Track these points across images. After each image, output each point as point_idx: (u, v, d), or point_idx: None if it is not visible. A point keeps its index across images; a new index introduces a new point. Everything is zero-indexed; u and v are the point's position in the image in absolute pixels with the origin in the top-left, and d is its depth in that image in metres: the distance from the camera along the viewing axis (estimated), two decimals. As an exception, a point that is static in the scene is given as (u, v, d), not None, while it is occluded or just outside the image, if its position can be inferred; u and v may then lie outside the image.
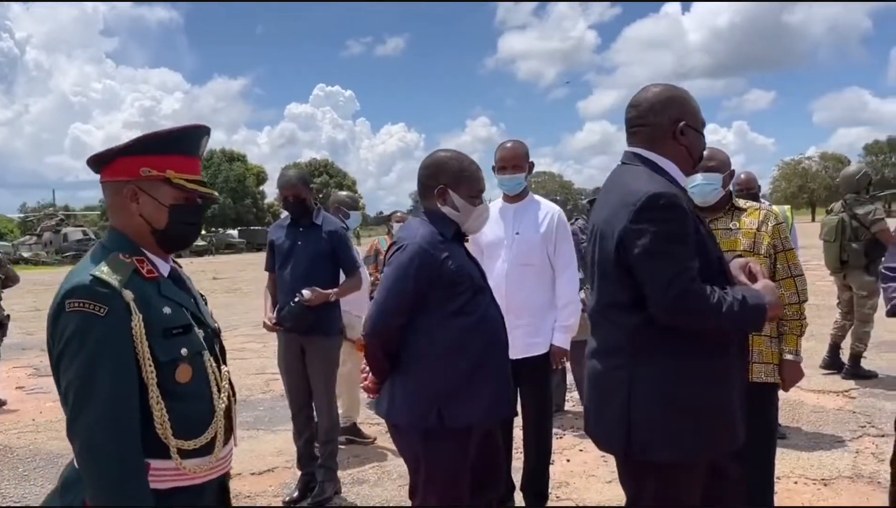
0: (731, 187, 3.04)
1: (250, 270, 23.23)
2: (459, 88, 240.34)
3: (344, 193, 5.48)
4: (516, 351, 2.92)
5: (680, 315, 1.90)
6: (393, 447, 4.25)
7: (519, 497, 3.57)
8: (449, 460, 2.40)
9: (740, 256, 2.53)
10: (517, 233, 3.41)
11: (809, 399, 5.53)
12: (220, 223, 57.59)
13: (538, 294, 3.40)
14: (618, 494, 3.66)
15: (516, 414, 2.79)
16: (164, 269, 1.67)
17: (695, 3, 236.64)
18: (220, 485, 1.72)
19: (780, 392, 2.97)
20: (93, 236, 41.23)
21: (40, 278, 22.99)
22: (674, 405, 1.95)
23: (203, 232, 37.71)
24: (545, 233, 3.40)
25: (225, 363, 1.75)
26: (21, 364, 8.34)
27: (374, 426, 5.10)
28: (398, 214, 6.78)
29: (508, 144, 3.49)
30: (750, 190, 4.81)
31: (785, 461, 4.07)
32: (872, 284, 5.85)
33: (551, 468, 3.63)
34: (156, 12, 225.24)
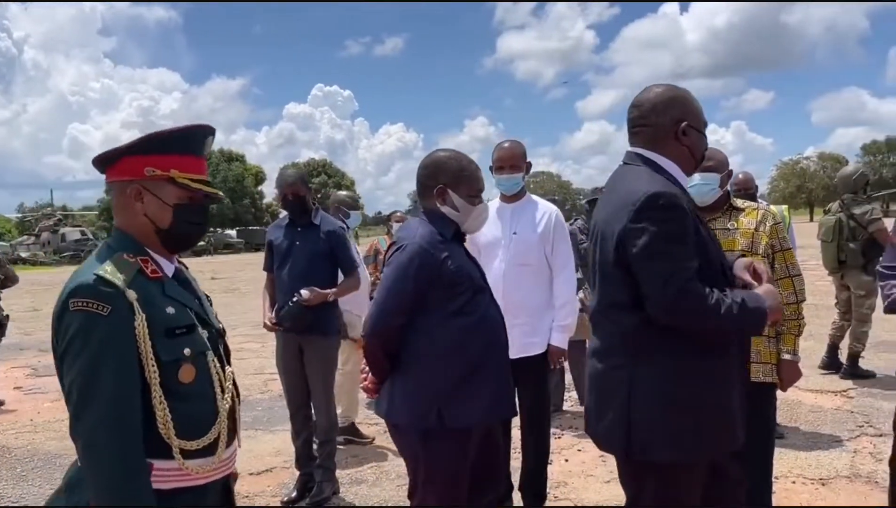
0: (728, 187, 3.04)
1: (249, 270, 23.22)
2: (458, 88, 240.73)
3: (344, 192, 5.48)
4: (514, 351, 2.92)
5: (677, 315, 1.90)
6: (391, 447, 4.27)
7: (517, 497, 3.57)
8: (448, 460, 2.40)
9: (743, 255, 2.53)
10: (514, 233, 3.41)
11: (807, 399, 5.54)
12: (219, 223, 57.49)
13: (535, 294, 3.40)
14: (616, 494, 3.67)
15: (516, 414, 2.79)
16: (169, 269, 1.68)
17: (693, 4, 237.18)
18: (224, 486, 1.72)
19: (778, 392, 2.97)
20: (91, 236, 41.19)
21: (38, 278, 22.99)
22: (674, 405, 1.95)
23: (202, 232, 37.46)
24: (542, 233, 3.41)
25: (229, 363, 1.75)
26: (19, 365, 8.34)
27: (372, 426, 5.11)
28: (397, 214, 6.78)
29: (506, 144, 3.49)
30: (747, 190, 4.82)
31: (783, 460, 4.07)
32: (870, 283, 5.86)
33: (549, 468, 3.63)
34: (154, 12, 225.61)
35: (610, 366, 2.06)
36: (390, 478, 4.24)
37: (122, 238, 1.64)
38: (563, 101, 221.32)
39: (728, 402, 2.01)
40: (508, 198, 3.50)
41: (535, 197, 3.57)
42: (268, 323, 3.94)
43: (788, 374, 2.89)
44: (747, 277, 2.04)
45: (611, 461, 2.28)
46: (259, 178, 66.84)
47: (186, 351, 1.58)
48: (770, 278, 2.08)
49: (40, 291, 17.07)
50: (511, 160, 3.42)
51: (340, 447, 4.47)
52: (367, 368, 2.62)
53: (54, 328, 1.53)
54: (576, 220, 5.93)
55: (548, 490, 3.60)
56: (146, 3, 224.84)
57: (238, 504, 3.97)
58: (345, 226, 4.45)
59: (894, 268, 2.79)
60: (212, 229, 53.45)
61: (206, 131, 1.68)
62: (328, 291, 3.81)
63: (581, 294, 4.98)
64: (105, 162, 1.64)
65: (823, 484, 3.90)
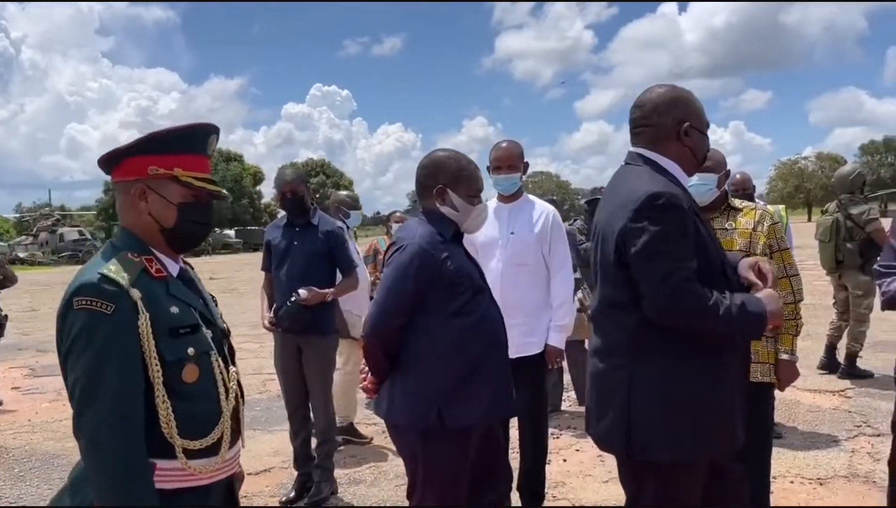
0: (726, 188, 3.05)
1: (247, 270, 23.18)
2: (456, 88, 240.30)
3: (344, 192, 5.49)
4: (511, 351, 2.92)
5: (674, 315, 1.90)
6: (390, 447, 4.27)
7: (515, 497, 3.58)
8: (448, 460, 2.41)
9: (748, 255, 2.53)
10: (512, 233, 3.42)
11: (805, 399, 5.55)
12: (217, 223, 57.28)
13: (533, 294, 3.40)
14: (614, 494, 3.68)
15: (516, 414, 2.79)
16: (174, 269, 1.68)
17: (691, 4, 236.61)
18: (228, 486, 1.73)
19: (777, 392, 2.98)
20: (89, 236, 41.11)
21: (36, 278, 22.96)
22: (674, 405, 1.96)
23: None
24: (540, 233, 3.41)
25: (234, 363, 1.75)
26: (17, 365, 8.33)
27: (371, 426, 5.11)
28: (397, 214, 6.79)
29: (503, 144, 3.49)
30: (745, 190, 4.83)
31: (781, 460, 4.08)
32: (868, 283, 5.88)
33: (548, 467, 3.64)
34: (152, 12, 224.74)
35: (610, 366, 2.06)
36: (388, 478, 4.24)
37: (127, 238, 1.64)
38: (561, 101, 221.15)
39: (728, 402, 2.01)
40: (506, 198, 3.50)
41: (532, 197, 3.58)
42: (266, 323, 3.94)
43: (786, 374, 2.90)
44: (752, 277, 2.03)
45: (609, 461, 2.28)
46: (257, 178, 66.78)
47: (190, 351, 1.58)
48: (775, 278, 2.07)
49: (38, 291, 17.05)
50: (508, 160, 3.42)
51: (339, 447, 4.47)
52: (367, 368, 2.62)
53: (58, 326, 1.53)
54: (575, 220, 5.94)
55: (546, 489, 3.60)
56: (144, 3, 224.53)
57: (237, 504, 3.97)
58: (345, 226, 4.46)
59: (891, 267, 2.80)
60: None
61: (209, 130, 1.69)
62: (326, 291, 3.82)
63: (580, 294, 4.99)
64: (110, 162, 1.64)
65: (821, 484, 3.91)
